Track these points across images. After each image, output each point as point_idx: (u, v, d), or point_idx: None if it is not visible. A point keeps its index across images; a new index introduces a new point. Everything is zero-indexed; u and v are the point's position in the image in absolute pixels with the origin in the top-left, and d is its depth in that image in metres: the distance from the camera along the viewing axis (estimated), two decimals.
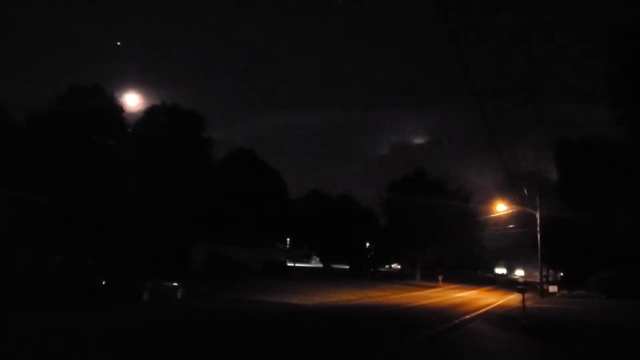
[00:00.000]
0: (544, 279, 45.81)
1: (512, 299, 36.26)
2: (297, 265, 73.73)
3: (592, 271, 42.33)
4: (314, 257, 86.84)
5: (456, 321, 20.74)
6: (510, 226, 58.70)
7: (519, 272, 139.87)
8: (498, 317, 23.21)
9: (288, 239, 72.50)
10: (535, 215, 40.31)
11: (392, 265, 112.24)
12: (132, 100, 39.64)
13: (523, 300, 24.57)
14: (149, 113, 42.72)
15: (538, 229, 39.92)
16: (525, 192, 39.40)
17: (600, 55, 28.86)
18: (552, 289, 42.68)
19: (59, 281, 26.30)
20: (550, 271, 64.41)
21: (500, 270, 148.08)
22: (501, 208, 45.65)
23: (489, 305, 31.34)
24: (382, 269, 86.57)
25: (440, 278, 63.25)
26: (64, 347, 11.75)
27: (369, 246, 77.03)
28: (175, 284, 25.42)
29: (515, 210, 44.68)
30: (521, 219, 52.30)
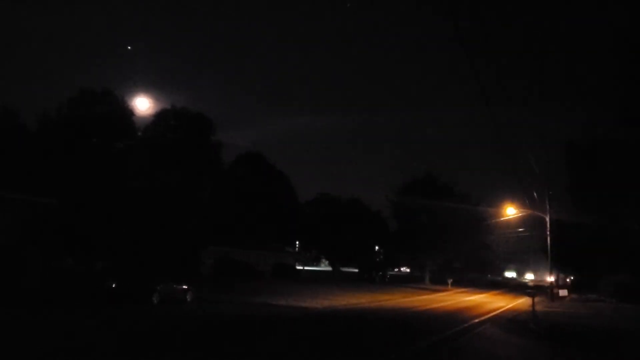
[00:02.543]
0: (554, 283, 45.47)
1: (521, 302, 36.04)
2: (306, 268, 73.70)
3: (603, 275, 41.98)
4: (323, 260, 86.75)
5: (465, 325, 20.66)
6: (520, 230, 58.36)
7: (529, 276, 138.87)
8: (507, 321, 23.09)
9: (297, 242, 72.48)
10: (545, 219, 40.04)
11: (402, 269, 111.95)
12: (142, 104, 39.83)
13: (533, 304, 24.40)
14: (159, 117, 42.87)
15: (548, 232, 39.64)
16: (535, 196, 39.14)
17: (611, 57, 28.79)
18: (563, 293, 42.31)
19: (69, 284, 26.44)
20: (561, 275, 63.99)
21: (510, 274, 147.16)
22: (511, 211, 45.35)
23: (499, 309, 31.17)
24: (392, 273, 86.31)
25: (449, 281, 63.01)
26: (75, 350, 11.83)
27: (378, 249, 76.88)
28: (184, 287, 25.48)
29: (525, 213, 44.36)
30: (531, 223, 51.97)
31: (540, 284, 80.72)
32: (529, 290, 29.14)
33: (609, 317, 25.33)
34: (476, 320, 22.84)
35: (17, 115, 35.36)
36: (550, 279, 43.57)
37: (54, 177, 31.10)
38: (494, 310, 30.04)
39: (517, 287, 73.00)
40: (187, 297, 25.37)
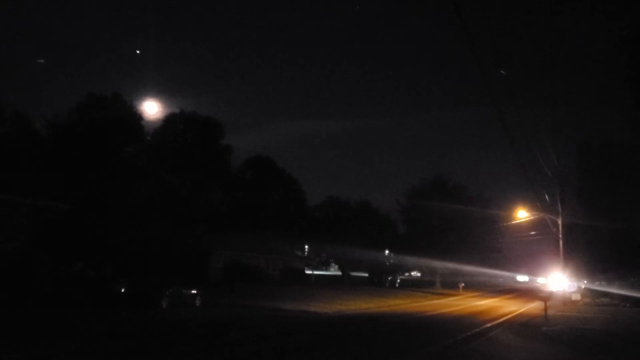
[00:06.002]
0: (567, 286, 44.94)
1: (534, 307, 35.62)
2: (315, 272, 73.39)
3: (616, 279, 41.55)
4: (333, 264, 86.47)
5: (477, 329, 20.39)
6: (532, 233, 57.81)
7: (541, 280, 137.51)
8: (520, 326, 22.80)
9: (306, 246, 72.24)
10: (557, 222, 39.59)
11: (412, 273, 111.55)
12: (151, 108, 39.95)
13: (545, 309, 24.13)
14: (168, 121, 43.00)
15: (560, 236, 39.20)
16: (547, 198, 38.72)
17: (622, 58, 28.44)
18: (575, 297, 41.84)
19: (79, 289, 26.46)
20: (573, 278, 63.33)
21: (522, 278, 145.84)
22: (522, 214, 44.93)
23: (511, 313, 30.81)
24: (402, 277, 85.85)
25: (460, 286, 62.57)
26: (76, 352, 11.77)
27: (388, 254, 76.49)
28: (194, 291, 25.46)
29: (536, 216, 43.92)
30: (543, 226, 51.49)
31: (552, 287, 80.00)
32: (541, 294, 28.84)
33: (622, 321, 24.96)
34: (488, 325, 22.56)
35: (28, 120, 35.56)
36: (563, 282, 43.08)
37: (64, 181, 31.18)
38: (506, 314, 29.70)
39: (529, 291, 72.38)
40: (196, 301, 25.32)
